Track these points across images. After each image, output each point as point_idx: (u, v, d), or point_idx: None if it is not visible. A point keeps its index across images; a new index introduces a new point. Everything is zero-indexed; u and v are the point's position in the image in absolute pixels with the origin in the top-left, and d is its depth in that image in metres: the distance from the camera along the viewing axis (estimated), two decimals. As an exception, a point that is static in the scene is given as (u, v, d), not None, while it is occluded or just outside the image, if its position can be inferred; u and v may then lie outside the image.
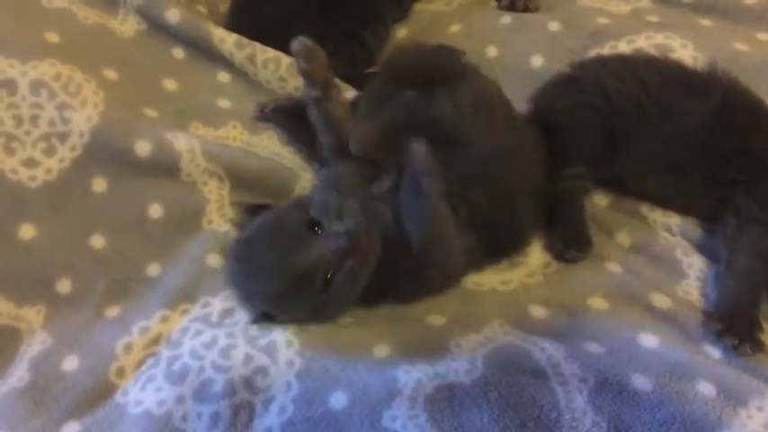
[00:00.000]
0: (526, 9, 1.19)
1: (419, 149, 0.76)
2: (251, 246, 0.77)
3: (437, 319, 0.78)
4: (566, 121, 0.95)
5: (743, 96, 0.92)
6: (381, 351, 0.73)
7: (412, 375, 0.70)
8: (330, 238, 0.73)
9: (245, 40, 1.06)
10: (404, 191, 0.79)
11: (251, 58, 1.05)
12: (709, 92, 0.91)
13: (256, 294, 0.76)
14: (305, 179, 0.96)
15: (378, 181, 0.84)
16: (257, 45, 1.06)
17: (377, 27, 1.19)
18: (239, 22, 1.09)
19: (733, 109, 0.90)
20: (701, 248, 0.88)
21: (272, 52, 1.05)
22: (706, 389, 0.69)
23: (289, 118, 1.00)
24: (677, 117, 0.90)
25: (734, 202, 0.87)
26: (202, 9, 1.16)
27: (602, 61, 1.01)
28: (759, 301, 0.80)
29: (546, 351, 0.72)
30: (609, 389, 0.68)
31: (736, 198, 0.87)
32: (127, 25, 1.05)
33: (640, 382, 0.69)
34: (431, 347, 0.73)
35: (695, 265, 0.86)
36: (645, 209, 0.93)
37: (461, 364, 0.70)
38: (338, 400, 0.69)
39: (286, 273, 0.73)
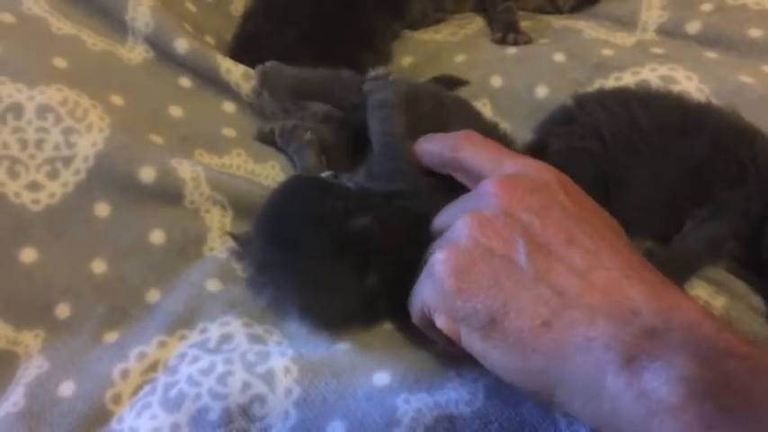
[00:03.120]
0: (515, 43, 1.20)
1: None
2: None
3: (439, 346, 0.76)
4: (560, 163, 0.94)
5: (734, 129, 0.90)
6: (381, 378, 0.72)
7: (411, 405, 0.68)
8: None
9: (252, 72, 1.06)
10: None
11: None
12: (701, 126, 0.89)
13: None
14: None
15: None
16: None
17: (376, 47, 1.20)
18: (240, 57, 1.10)
19: (724, 143, 0.88)
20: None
21: (278, 84, 1.06)
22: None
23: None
24: (672, 159, 0.89)
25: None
26: (210, 39, 1.17)
27: (599, 99, 0.99)
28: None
29: (549, 380, 0.70)
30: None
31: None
32: (135, 53, 1.06)
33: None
34: (431, 375, 0.71)
35: (700, 300, 0.83)
36: (650, 245, 0.91)
37: (462, 395, 0.69)
38: (336, 429, 0.68)
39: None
